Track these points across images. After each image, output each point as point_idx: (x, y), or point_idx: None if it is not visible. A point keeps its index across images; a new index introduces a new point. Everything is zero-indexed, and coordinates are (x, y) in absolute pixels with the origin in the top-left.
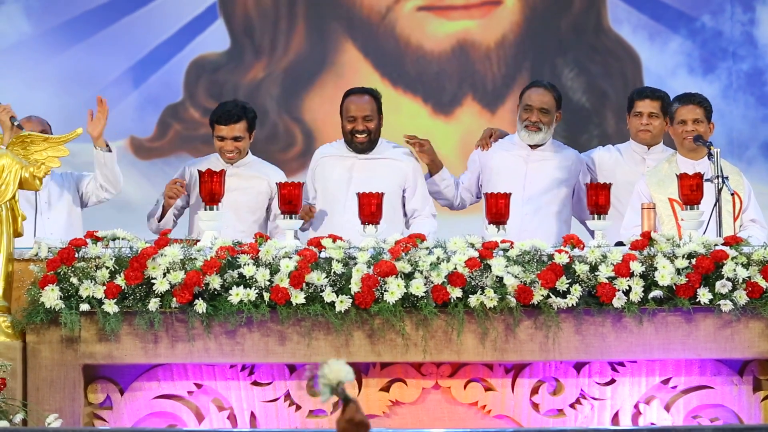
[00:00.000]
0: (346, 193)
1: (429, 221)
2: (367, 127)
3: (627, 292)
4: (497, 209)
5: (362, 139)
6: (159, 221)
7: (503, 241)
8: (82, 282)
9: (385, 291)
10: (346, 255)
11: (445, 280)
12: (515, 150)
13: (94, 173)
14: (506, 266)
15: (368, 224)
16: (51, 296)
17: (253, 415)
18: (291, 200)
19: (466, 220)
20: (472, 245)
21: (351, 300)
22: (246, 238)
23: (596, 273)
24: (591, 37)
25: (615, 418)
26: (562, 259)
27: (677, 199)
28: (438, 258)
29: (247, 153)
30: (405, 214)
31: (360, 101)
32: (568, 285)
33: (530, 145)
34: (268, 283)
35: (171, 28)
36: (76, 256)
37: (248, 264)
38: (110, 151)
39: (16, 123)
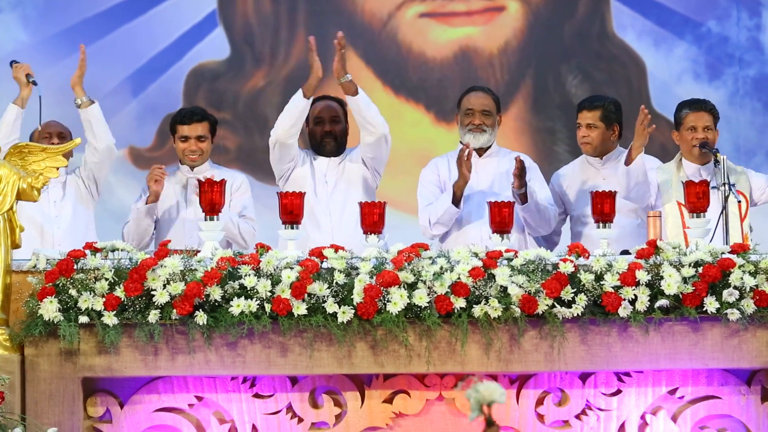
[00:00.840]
0: (328, 199)
1: None
2: (333, 130)
3: (633, 302)
4: (501, 218)
5: (330, 141)
6: (145, 217)
7: (507, 251)
8: (81, 294)
9: (387, 301)
10: (348, 265)
11: (449, 290)
12: None
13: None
14: (510, 276)
15: (370, 234)
16: (50, 308)
17: (254, 427)
18: (292, 210)
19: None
20: (476, 255)
21: (353, 311)
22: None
23: (602, 282)
24: (595, 43)
25: (621, 429)
26: (567, 268)
27: (684, 204)
28: (441, 268)
29: (207, 160)
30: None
31: (326, 104)
32: (573, 294)
33: (476, 152)
34: (269, 294)
35: (170, 37)
36: (75, 267)
37: (249, 275)
38: (93, 102)
39: (31, 80)
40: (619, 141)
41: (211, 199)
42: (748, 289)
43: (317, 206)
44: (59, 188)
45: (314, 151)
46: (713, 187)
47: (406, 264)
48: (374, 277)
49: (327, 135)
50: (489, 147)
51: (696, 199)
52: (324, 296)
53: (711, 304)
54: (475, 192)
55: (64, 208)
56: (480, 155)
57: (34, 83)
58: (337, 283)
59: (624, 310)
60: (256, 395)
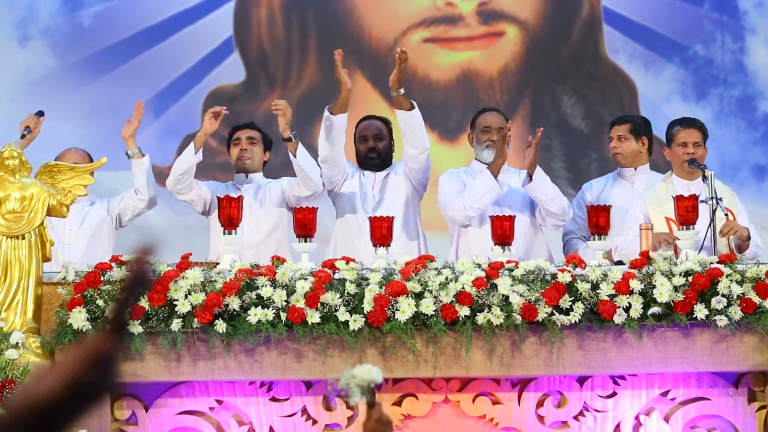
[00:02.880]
0: (373, 211)
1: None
2: (376, 146)
3: (627, 309)
4: (502, 231)
5: (374, 156)
6: (188, 163)
7: (509, 262)
8: (108, 304)
9: (396, 310)
10: (359, 276)
11: (454, 299)
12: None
13: (130, 190)
14: (512, 285)
15: (380, 246)
16: (78, 318)
17: (271, 429)
18: (306, 224)
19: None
20: (479, 266)
21: (364, 319)
22: (269, 241)
23: (597, 291)
24: (589, 65)
25: (617, 430)
26: (564, 278)
27: (674, 219)
28: (446, 278)
29: (261, 171)
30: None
31: (370, 122)
32: (570, 302)
33: (489, 168)
34: (284, 303)
35: (189, 61)
36: (102, 279)
37: (266, 285)
38: (143, 155)
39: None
40: (650, 156)
41: (229, 214)
42: (735, 296)
43: (364, 218)
44: (77, 217)
45: (361, 167)
46: (702, 201)
47: (414, 275)
48: (383, 287)
49: (371, 151)
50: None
51: (686, 212)
52: (336, 305)
53: (700, 311)
54: (502, 205)
55: (80, 237)
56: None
57: (40, 114)
58: (348, 293)
59: (619, 317)
60: (273, 399)
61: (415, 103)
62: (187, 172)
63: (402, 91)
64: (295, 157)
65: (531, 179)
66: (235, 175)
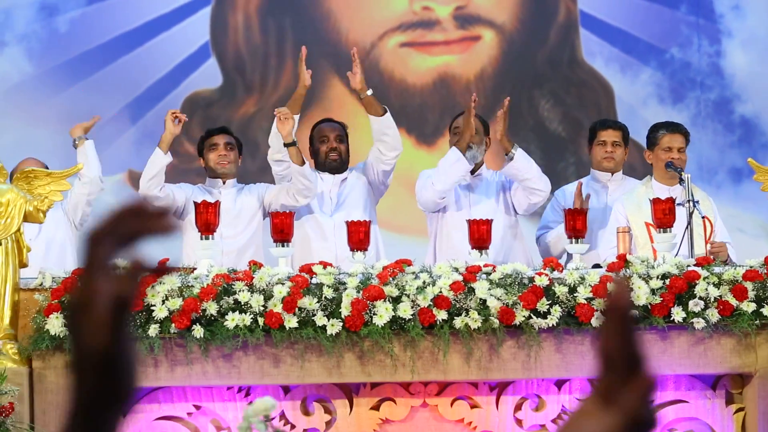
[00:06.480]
0: (333, 213)
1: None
2: (338, 147)
3: None
4: (479, 235)
5: (335, 156)
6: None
7: (486, 265)
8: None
9: (374, 314)
10: (336, 280)
11: (431, 303)
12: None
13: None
14: (489, 289)
15: (357, 251)
16: (56, 324)
17: None
18: (283, 229)
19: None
20: (457, 269)
21: (341, 323)
22: (249, 247)
23: (575, 294)
24: (566, 69)
25: None
26: (542, 281)
27: (653, 224)
28: (424, 282)
29: (235, 177)
30: (380, 179)
31: (330, 123)
32: (548, 306)
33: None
34: (262, 308)
35: (166, 67)
36: None
37: (243, 290)
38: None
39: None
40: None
41: (206, 219)
42: (712, 299)
43: (323, 220)
44: (34, 227)
45: (318, 169)
46: (678, 204)
47: (391, 279)
48: (361, 292)
49: (332, 151)
50: (480, 168)
51: (662, 215)
52: (314, 310)
53: (678, 314)
54: (467, 209)
55: (37, 246)
56: (472, 173)
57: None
58: (326, 297)
59: (596, 321)
60: (251, 404)
61: (386, 107)
62: (157, 174)
63: (370, 91)
64: (300, 165)
65: (507, 155)
66: (208, 180)
